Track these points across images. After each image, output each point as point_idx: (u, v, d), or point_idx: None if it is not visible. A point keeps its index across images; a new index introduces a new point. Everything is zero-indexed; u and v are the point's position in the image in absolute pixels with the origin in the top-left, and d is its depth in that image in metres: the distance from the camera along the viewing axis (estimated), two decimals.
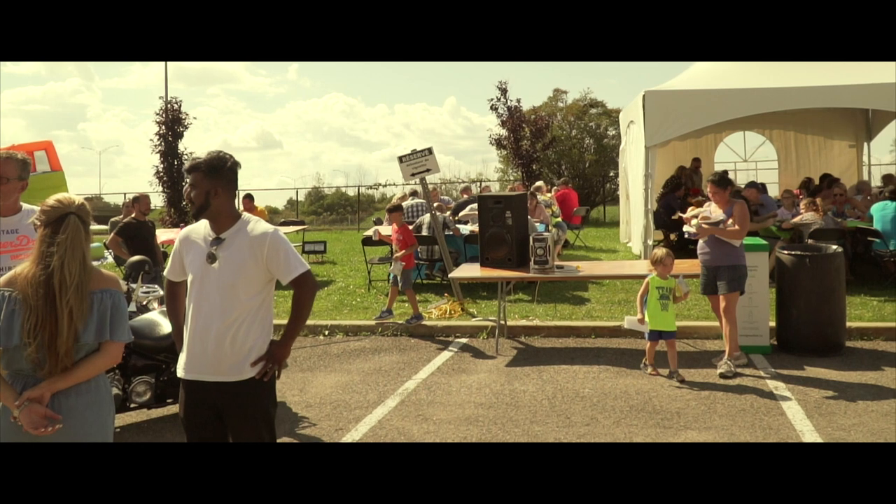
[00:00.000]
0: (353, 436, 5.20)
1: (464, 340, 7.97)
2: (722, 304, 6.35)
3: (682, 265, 7.03)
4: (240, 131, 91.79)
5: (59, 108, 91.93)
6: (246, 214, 3.30)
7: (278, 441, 5.09)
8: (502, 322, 7.86)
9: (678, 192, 13.23)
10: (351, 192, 37.07)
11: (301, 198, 46.53)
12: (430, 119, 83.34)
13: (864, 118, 14.62)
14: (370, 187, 25.87)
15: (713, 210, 6.50)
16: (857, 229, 9.73)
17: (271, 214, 35.95)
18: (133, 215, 8.53)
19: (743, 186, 12.15)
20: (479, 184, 22.74)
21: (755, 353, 6.98)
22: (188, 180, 3.22)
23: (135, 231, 8.29)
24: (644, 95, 10.88)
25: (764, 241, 7.31)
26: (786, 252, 7.06)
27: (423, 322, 8.37)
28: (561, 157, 22.90)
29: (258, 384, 3.18)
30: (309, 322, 8.73)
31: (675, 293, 6.29)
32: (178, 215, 20.91)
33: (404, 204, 12.32)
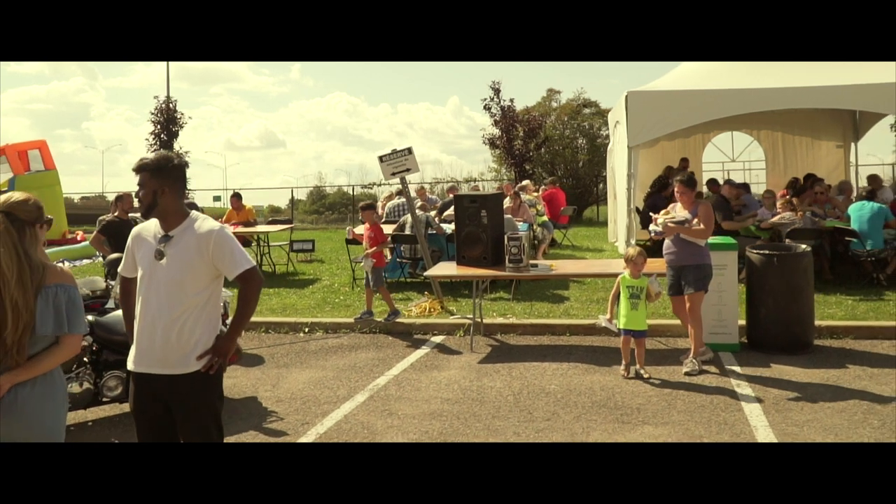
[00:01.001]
0: (318, 430, 5.30)
1: (441, 338, 8.07)
2: (687, 304, 6.44)
3: (656, 264, 7.11)
4: (243, 130, 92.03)
5: (63, 107, 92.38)
6: (194, 213, 3.40)
7: (244, 433, 5.22)
8: (478, 320, 7.96)
9: (665, 192, 13.31)
10: (354, 192, 37.22)
11: (303, 196, 46.70)
12: (432, 118, 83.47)
13: (851, 119, 14.69)
14: (365, 186, 25.96)
15: (679, 210, 6.60)
16: (835, 229, 9.81)
17: (272, 213, 36.12)
18: (116, 213, 8.64)
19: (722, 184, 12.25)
20: (471, 183, 22.83)
21: (724, 350, 7.08)
22: (137, 181, 3.33)
23: (117, 229, 8.38)
24: (627, 96, 10.97)
25: (733, 241, 7.40)
26: (755, 251, 7.15)
27: (401, 319, 8.48)
28: (554, 157, 23.00)
29: (204, 377, 3.28)
30: (290, 319, 8.88)
31: (647, 292, 6.34)
32: None
33: (390, 203, 12.44)
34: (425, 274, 8.11)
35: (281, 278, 11.97)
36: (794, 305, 6.98)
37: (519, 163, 20.32)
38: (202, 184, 78.59)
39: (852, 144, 14.86)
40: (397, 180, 9.43)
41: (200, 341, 3.28)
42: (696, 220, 6.37)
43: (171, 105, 21.86)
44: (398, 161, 8.89)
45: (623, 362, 6.42)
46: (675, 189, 6.63)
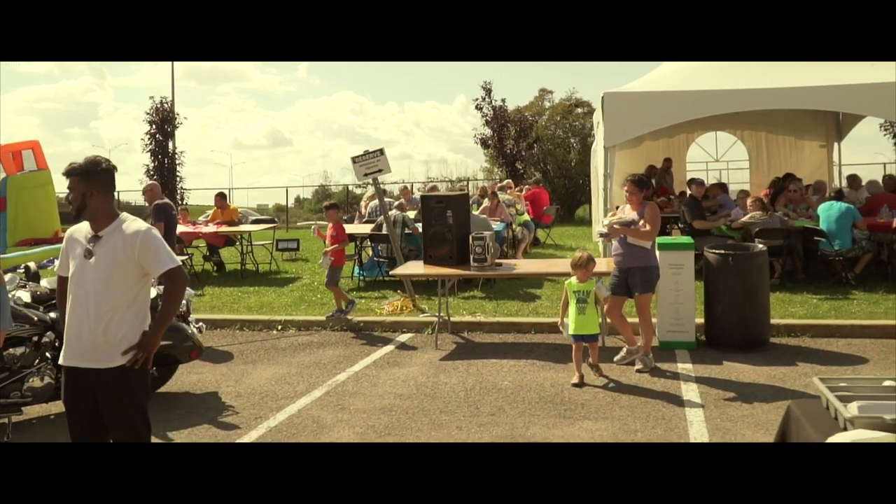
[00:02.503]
0: (269, 424, 5.48)
1: (409, 336, 8.24)
2: (637, 305, 6.55)
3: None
4: (250, 129, 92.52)
5: (72, 107, 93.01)
6: (124, 214, 3.58)
7: (198, 427, 5.40)
8: (444, 318, 8.12)
9: (646, 191, 13.42)
10: (359, 191, 37.42)
11: (309, 195, 46.97)
12: (439, 117, 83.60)
13: (834, 119, 14.76)
14: (359, 185, 26.13)
15: (627, 211, 6.71)
16: (804, 229, 9.93)
17: (278, 212, 36.33)
18: None
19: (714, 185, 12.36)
20: (465, 183, 22.96)
21: (681, 348, 7.22)
22: (67, 184, 3.50)
23: None
24: (603, 97, 11.11)
25: (690, 240, 7.53)
26: (712, 251, 7.29)
27: (372, 318, 8.65)
28: (546, 156, 23.13)
29: (129, 371, 3.45)
30: (263, 317, 9.06)
31: (596, 297, 6.25)
32: None
33: (372, 203, 12.61)
34: (391, 272, 8.27)
35: (263, 277, 12.16)
36: (749, 304, 7.11)
37: (510, 162, 20.45)
38: (208, 182, 78.97)
39: (835, 144, 14.94)
40: (398, 179, 9.60)
41: (126, 337, 3.44)
42: (641, 222, 6.46)
43: (166, 105, 22.09)
44: (370, 162, 9.06)
45: (576, 372, 6.24)
46: (625, 188, 6.72)
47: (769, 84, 10.53)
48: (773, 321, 7.64)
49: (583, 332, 6.19)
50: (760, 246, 7.44)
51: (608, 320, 7.00)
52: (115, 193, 3.57)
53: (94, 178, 3.47)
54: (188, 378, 6.77)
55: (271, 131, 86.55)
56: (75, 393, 3.49)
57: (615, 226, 6.52)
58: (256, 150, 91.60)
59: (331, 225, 8.51)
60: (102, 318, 3.41)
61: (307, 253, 15.02)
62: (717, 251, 7.24)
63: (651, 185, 6.85)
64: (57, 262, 3.75)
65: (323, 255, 8.41)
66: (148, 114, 22.11)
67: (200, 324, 6.53)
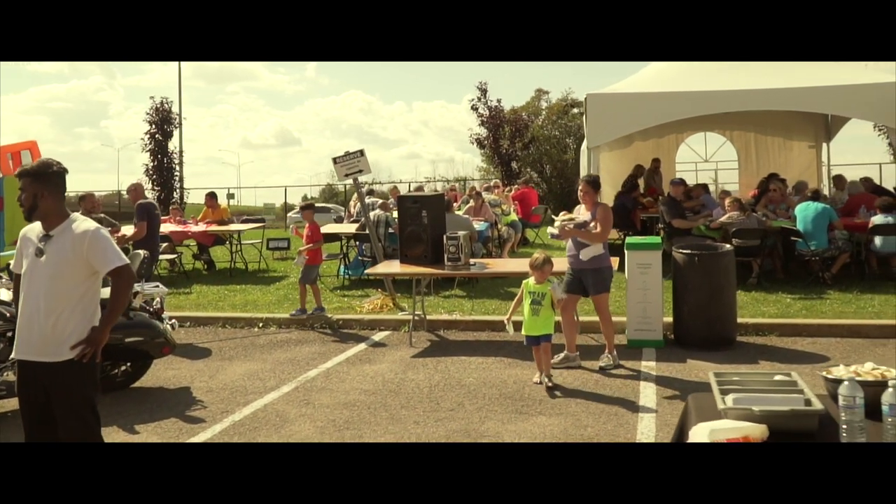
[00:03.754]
0: (234, 418, 5.64)
1: (385, 334, 8.39)
2: (595, 305, 6.66)
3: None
4: (259, 128, 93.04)
5: (83, 106, 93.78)
6: (74, 214, 3.74)
7: (165, 420, 5.57)
8: (418, 316, 8.28)
9: (634, 192, 13.55)
10: (364, 190, 37.53)
11: (316, 194, 47.18)
12: (447, 116, 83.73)
13: (823, 119, 14.82)
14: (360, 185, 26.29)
15: (581, 211, 6.80)
16: (781, 229, 10.03)
17: (286, 211, 36.47)
18: (80, 212, 9.01)
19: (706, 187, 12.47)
20: (462, 183, 23.12)
21: (648, 346, 7.35)
22: (20, 185, 3.67)
23: None
24: (586, 98, 11.24)
25: (658, 240, 7.66)
26: (679, 251, 7.41)
27: (351, 315, 8.81)
28: (542, 156, 23.26)
29: (78, 365, 3.61)
30: (245, 315, 9.24)
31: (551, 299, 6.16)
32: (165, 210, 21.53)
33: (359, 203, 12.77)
34: (366, 271, 8.42)
35: (251, 275, 12.34)
36: (715, 303, 7.23)
37: (506, 162, 20.58)
38: (217, 182, 79.49)
39: (824, 144, 15.01)
40: (407, 178, 9.76)
41: (75, 332, 3.61)
42: (593, 224, 6.56)
43: (166, 105, 22.36)
44: (351, 163, 9.23)
45: (538, 370, 6.28)
46: (580, 189, 6.81)
47: (754, 85, 10.61)
48: (741, 320, 7.76)
49: (534, 333, 6.15)
50: (728, 246, 7.56)
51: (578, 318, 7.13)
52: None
53: (45, 179, 3.64)
54: (164, 373, 6.94)
55: (280, 130, 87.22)
56: (27, 386, 3.65)
57: (567, 227, 6.60)
58: (265, 149, 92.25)
59: (307, 225, 8.68)
60: (52, 313, 3.57)
61: (297, 252, 15.19)
62: (684, 251, 7.36)
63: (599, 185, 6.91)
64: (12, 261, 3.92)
65: (297, 253, 8.57)
66: (148, 114, 22.38)
67: (173, 320, 6.70)
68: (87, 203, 9.00)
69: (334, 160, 9.26)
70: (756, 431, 2.28)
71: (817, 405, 2.37)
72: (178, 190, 22.23)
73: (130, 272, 3.72)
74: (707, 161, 16.20)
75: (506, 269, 8.17)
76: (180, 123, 25.15)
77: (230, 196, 34.75)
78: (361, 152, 9.21)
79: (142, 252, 7.41)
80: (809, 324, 7.75)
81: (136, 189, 8.86)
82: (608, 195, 14.02)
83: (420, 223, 8.16)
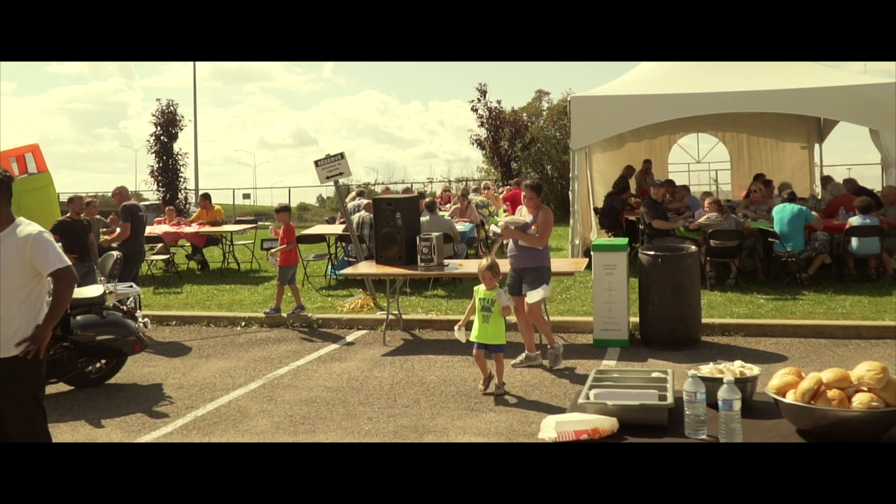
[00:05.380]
0: (197, 413, 5.87)
1: (363, 332, 8.59)
2: (527, 306, 6.76)
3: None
4: (276, 129, 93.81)
5: (102, 107, 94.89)
6: (20, 219, 3.97)
7: (131, 415, 5.79)
8: (394, 315, 8.47)
9: (624, 194, 13.64)
10: (379, 189, 37.84)
11: (332, 193, 47.46)
12: (463, 116, 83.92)
13: (815, 120, 14.84)
14: (365, 185, 26.52)
15: (524, 213, 6.96)
16: (759, 230, 10.11)
17: (300, 211, 36.79)
18: (69, 214, 9.28)
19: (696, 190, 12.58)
20: (464, 183, 23.27)
21: (613, 346, 7.49)
22: None
23: (69, 228, 9.03)
24: (570, 101, 11.39)
25: (623, 242, 7.79)
26: (644, 252, 7.55)
27: (330, 315, 9.02)
28: (541, 157, 23.40)
29: (22, 362, 3.83)
30: (229, 314, 9.48)
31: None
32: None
33: (351, 204, 12.98)
34: (339, 272, 8.63)
35: (243, 275, 12.59)
36: (678, 304, 7.36)
37: (505, 163, 20.72)
38: (233, 182, 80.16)
39: (816, 145, 15.03)
40: (422, 178, 9.96)
41: (20, 330, 3.83)
42: (534, 227, 6.73)
43: (171, 108, 22.71)
44: (332, 166, 9.44)
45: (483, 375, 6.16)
46: (523, 193, 6.98)
47: (736, 87, 10.69)
48: (707, 320, 7.89)
49: (483, 341, 6.02)
50: (692, 248, 7.68)
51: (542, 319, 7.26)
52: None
53: None
54: (140, 370, 7.18)
55: (297, 130, 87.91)
56: None
57: (509, 228, 6.77)
58: (282, 149, 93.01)
59: (282, 227, 8.91)
60: None
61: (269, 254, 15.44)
62: (648, 252, 7.50)
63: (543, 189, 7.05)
64: None
65: (269, 255, 8.79)
66: (154, 115, 22.74)
67: (146, 319, 6.93)
68: (76, 205, 9.25)
69: (316, 163, 9.48)
70: (606, 424, 2.44)
71: (669, 400, 2.53)
72: (182, 191, 22.64)
73: (71, 273, 3.93)
74: (699, 162, 16.29)
75: (475, 269, 8.32)
76: (195, 124, 25.65)
77: (246, 196, 35.13)
78: (342, 155, 9.42)
79: (115, 253, 7.66)
80: (775, 324, 7.86)
81: (120, 192, 9.13)
82: (600, 196, 14.14)
83: (395, 225, 8.34)
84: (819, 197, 13.00)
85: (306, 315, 9.03)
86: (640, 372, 2.98)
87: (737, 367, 2.83)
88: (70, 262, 3.96)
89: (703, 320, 7.83)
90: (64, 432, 5.49)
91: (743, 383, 2.64)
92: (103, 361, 6.69)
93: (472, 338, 6.09)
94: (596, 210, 13.59)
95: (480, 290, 6.16)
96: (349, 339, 8.29)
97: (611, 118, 11.10)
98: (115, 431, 5.52)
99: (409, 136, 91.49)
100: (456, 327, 6.29)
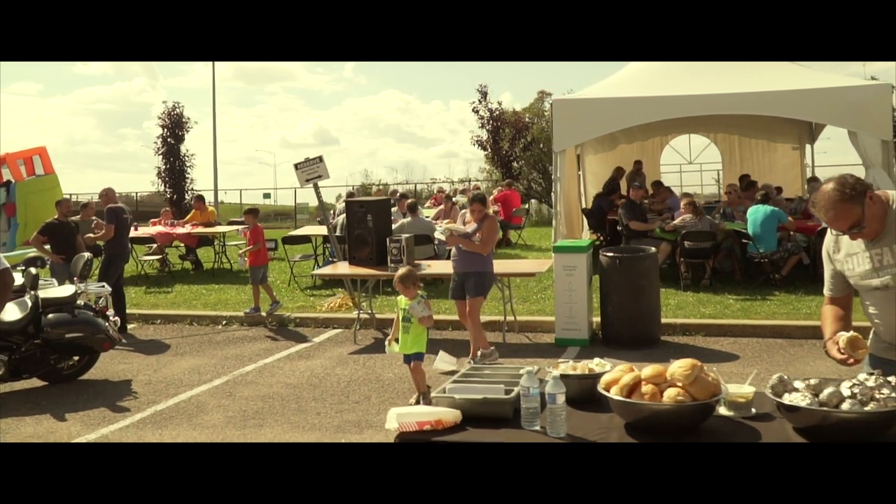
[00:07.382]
0: (157, 407, 6.13)
1: (337, 331, 8.82)
2: (468, 308, 6.94)
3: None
4: (298, 128, 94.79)
5: (126, 107, 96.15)
6: None
7: (94, 409, 6.07)
8: (367, 314, 8.70)
9: (613, 195, 13.76)
10: (400, 189, 38.07)
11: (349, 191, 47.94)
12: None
13: (806, 121, 14.84)
14: (382, 185, 26.84)
15: (468, 218, 7.16)
16: (734, 232, 10.21)
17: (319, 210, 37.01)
18: (57, 216, 9.61)
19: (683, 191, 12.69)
20: (464, 183, 23.45)
21: (573, 345, 7.66)
22: None
23: (56, 230, 9.36)
24: (552, 104, 11.55)
25: (584, 244, 7.95)
26: (604, 254, 7.70)
27: (308, 314, 9.28)
28: (541, 157, 23.50)
29: None
30: (210, 312, 9.77)
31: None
32: (178, 213, 22.31)
33: (338, 206, 13.25)
34: (313, 272, 8.86)
35: (234, 275, 12.88)
36: (637, 304, 7.51)
37: (505, 163, 20.89)
38: (255, 182, 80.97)
39: (808, 146, 15.03)
40: (441, 177, 10.20)
41: None
42: (478, 235, 6.92)
43: (178, 110, 23.16)
44: (311, 168, 9.69)
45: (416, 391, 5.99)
46: (469, 206, 7.21)
47: (720, 89, 10.76)
48: (669, 320, 8.03)
49: (402, 351, 5.87)
50: (652, 249, 7.83)
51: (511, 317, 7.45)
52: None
53: None
54: (115, 367, 7.47)
55: (318, 130, 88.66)
56: None
57: (453, 234, 6.95)
58: (304, 148, 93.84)
59: (250, 228, 9.19)
60: None
61: (283, 252, 15.72)
62: (608, 253, 7.65)
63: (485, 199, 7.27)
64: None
65: (239, 256, 9.06)
66: (160, 118, 23.20)
67: (116, 318, 7.22)
68: (64, 207, 9.57)
69: (295, 166, 9.74)
70: (449, 416, 2.64)
71: (513, 395, 2.72)
72: (189, 192, 23.05)
73: (10, 277, 4.20)
74: (691, 163, 16.33)
75: (449, 269, 8.53)
76: (214, 124, 26.08)
77: (266, 196, 35.47)
78: (320, 158, 9.68)
79: (85, 254, 7.99)
80: (735, 324, 7.99)
81: (106, 194, 9.44)
82: (592, 197, 14.28)
83: (366, 227, 8.57)
84: (807, 198, 13.03)
85: (281, 313, 9.28)
86: (510, 368, 3.17)
87: (595, 365, 3.02)
88: (8, 265, 4.22)
89: (665, 320, 7.99)
90: (28, 425, 5.78)
91: (589, 379, 2.83)
92: (76, 358, 6.97)
93: (398, 349, 5.90)
94: (584, 211, 13.72)
95: (402, 300, 5.88)
96: (321, 337, 8.53)
97: (592, 120, 11.22)
98: (75, 425, 5.79)
99: (431, 136, 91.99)
100: (386, 342, 6.10)
